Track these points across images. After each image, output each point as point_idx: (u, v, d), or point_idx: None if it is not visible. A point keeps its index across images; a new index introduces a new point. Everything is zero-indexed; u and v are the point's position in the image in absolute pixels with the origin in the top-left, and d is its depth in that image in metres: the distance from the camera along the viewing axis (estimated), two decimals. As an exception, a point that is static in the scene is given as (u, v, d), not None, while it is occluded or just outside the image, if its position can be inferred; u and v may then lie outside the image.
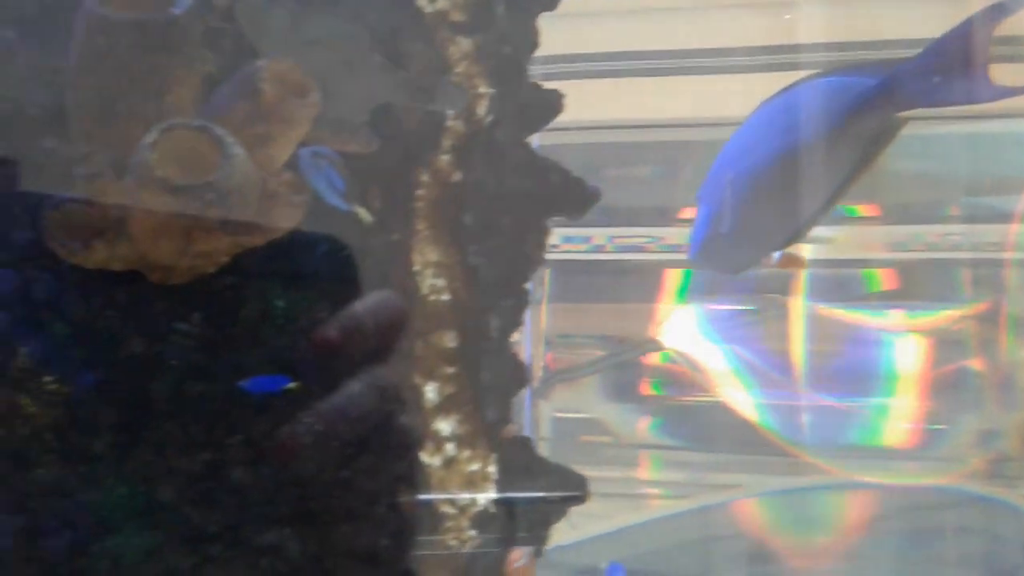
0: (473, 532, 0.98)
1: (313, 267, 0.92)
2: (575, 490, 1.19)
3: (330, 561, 0.87)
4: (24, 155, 0.86)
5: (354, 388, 0.90)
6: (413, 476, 0.93)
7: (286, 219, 0.73)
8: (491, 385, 1.07)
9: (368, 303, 0.82)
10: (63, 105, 0.81)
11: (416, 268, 1.04)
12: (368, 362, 0.86)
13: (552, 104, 1.24)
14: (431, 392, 1.01)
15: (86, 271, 0.80)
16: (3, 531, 0.79)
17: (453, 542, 0.96)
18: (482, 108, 1.07)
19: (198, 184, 0.60)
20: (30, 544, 0.78)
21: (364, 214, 0.87)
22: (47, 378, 0.82)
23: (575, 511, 1.15)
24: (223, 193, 0.61)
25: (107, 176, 0.66)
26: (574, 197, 1.25)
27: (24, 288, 0.84)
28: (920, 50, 1.32)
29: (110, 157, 0.66)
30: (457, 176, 1.06)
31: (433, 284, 1.06)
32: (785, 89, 1.53)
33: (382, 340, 0.83)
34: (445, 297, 1.07)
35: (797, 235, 1.52)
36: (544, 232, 1.21)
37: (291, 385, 0.85)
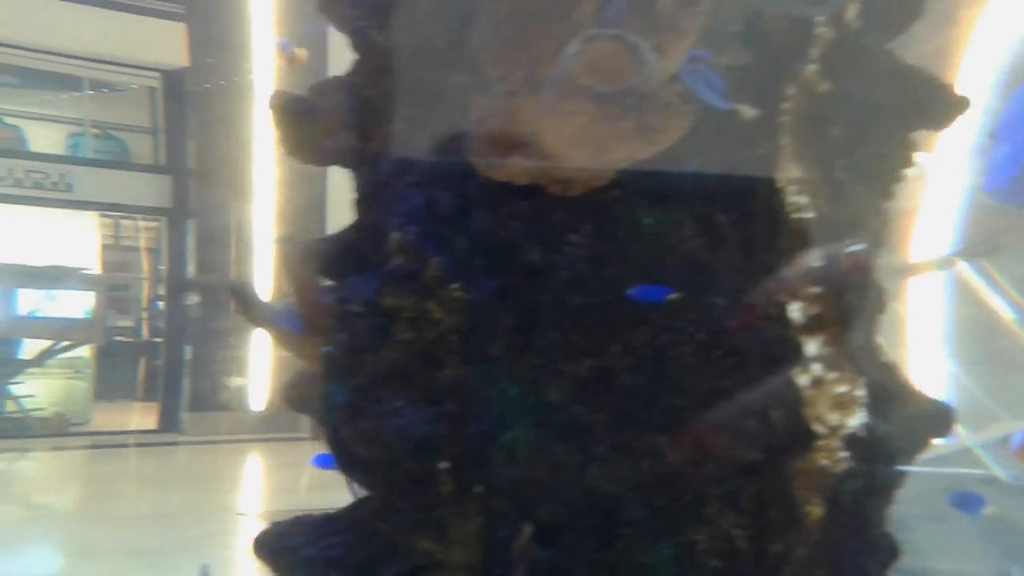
0: (844, 454, 0.95)
1: (682, 185, 0.93)
2: (941, 420, 1.12)
3: (706, 468, 0.89)
4: (429, 87, 0.94)
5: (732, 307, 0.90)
6: (786, 392, 0.92)
7: (677, 128, 0.74)
8: (856, 307, 1.02)
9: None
10: (464, 39, 0.88)
11: (779, 185, 1.01)
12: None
13: (914, 5, 1.13)
14: (796, 312, 0.99)
15: (489, 187, 0.87)
16: (424, 420, 0.89)
17: (824, 462, 0.95)
18: (852, 11, 1.00)
19: (619, 90, 0.63)
20: (451, 432, 0.88)
21: (747, 111, 0.85)
22: (453, 286, 0.91)
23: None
24: (640, 99, 0.63)
25: (523, 93, 0.71)
26: (941, 106, 1.14)
27: (430, 205, 0.93)
28: None
29: (525, 75, 0.70)
30: (824, 87, 1.01)
31: (796, 202, 1.03)
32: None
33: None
34: (809, 215, 1.03)
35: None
36: (911, 145, 1.13)
37: (674, 296, 0.87)
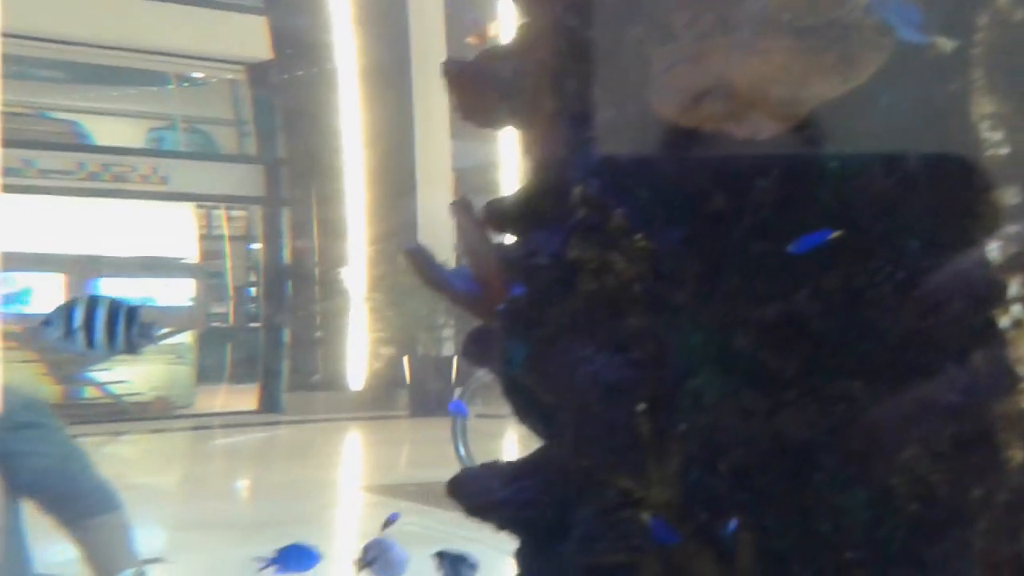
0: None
1: (871, 124, 0.91)
2: None
3: (903, 412, 0.87)
4: (604, 43, 0.96)
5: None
6: (988, 333, 0.89)
7: (874, 62, 0.73)
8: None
9: None
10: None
11: (972, 120, 0.97)
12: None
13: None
14: (994, 251, 0.95)
15: (671, 136, 0.88)
16: (614, 365, 0.92)
17: (1027, 406, 0.92)
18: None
19: (822, 23, 0.62)
20: (641, 377, 0.90)
21: (943, 43, 0.82)
22: (637, 236, 0.93)
23: None
24: (844, 31, 0.62)
25: (714, 36, 0.71)
26: None
27: (612, 158, 0.95)
28: None
29: (717, 16, 0.71)
30: (1019, 16, 0.96)
31: (990, 138, 0.99)
32: None
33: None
34: (1003, 151, 0.99)
35: None
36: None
37: (836, 233, 0.85)
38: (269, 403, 10.53)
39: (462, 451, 5.65)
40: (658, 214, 0.93)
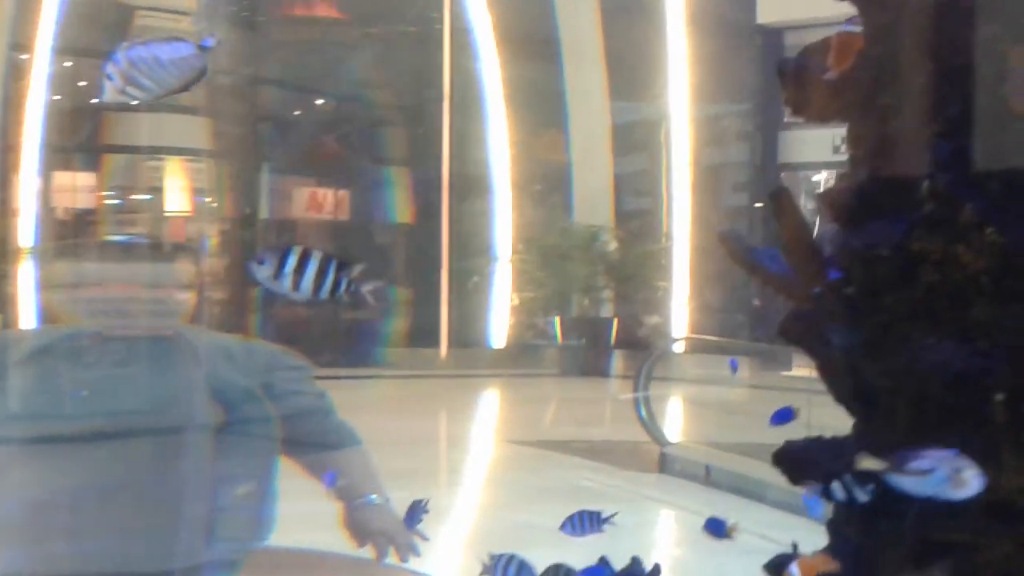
0: None
1: None
2: None
3: None
4: (953, 41, 0.98)
5: None
6: None
7: None
8: None
9: None
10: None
11: None
12: None
13: None
14: None
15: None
16: (961, 355, 0.96)
17: None
18: None
19: None
20: (988, 367, 0.94)
21: None
22: (988, 230, 0.96)
23: None
24: None
25: None
26: None
27: (961, 152, 0.98)
28: None
29: None
30: None
31: None
32: None
33: None
34: None
35: None
36: None
37: None
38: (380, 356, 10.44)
39: (643, 412, 5.74)
40: (1010, 208, 0.95)
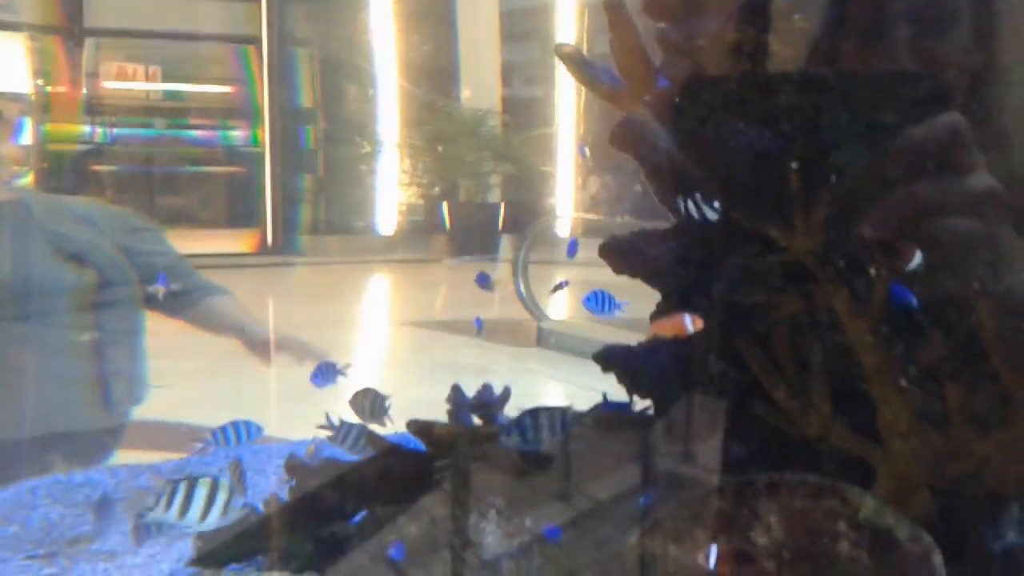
0: None
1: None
2: None
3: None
4: None
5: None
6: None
7: None
8: None
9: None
10: None
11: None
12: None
13: None
14: None
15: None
16: (767, 136, 1.03)
17: None
18: None
19: None
20: (788, 147, 1.02)
21: None
22: (796, 16, 1.02)
23: None
24: None
25: None
26: None
27: None
28: None
29: None
30: None
31: None
32: None
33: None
34: None
35: None
36: None
37: None
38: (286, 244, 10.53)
39: (522, 289, 5.88)
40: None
